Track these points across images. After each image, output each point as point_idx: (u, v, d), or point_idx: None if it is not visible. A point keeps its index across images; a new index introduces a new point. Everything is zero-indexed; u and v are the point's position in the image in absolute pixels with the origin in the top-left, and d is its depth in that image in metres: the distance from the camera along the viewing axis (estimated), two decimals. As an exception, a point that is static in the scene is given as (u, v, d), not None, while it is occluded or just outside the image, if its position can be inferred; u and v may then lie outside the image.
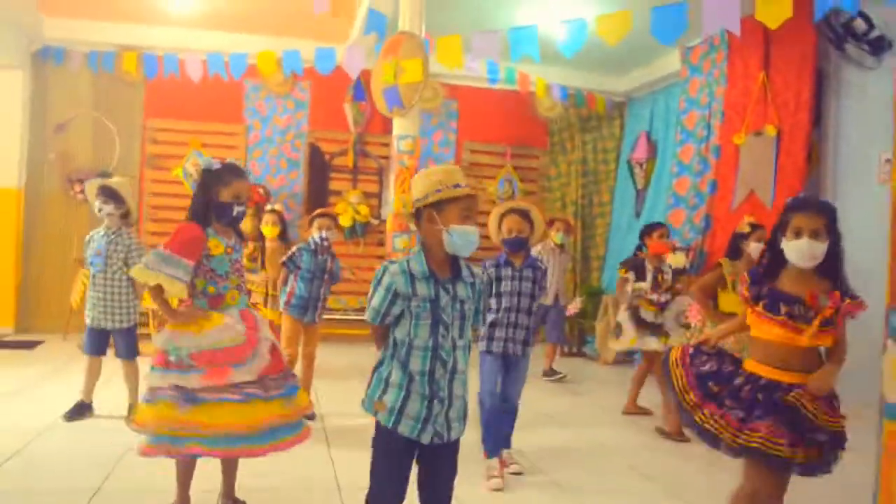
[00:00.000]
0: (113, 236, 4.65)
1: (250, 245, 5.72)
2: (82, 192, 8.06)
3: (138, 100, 8.64)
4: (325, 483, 3.73)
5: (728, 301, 4.57)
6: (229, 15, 7.74)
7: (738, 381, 2.66)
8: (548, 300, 6.81)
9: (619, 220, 9.33)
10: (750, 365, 2.69)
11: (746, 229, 4.80)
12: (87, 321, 4.79)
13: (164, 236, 8.29)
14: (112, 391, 4.95)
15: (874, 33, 5.77)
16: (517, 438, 4.24)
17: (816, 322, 2.52)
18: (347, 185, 8.99)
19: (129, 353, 4.78)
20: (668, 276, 5.39)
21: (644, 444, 4.80)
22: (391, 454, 2.40)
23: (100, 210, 4.62)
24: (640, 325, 5.33)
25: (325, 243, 4.95)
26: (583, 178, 9.56)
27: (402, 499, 2.39)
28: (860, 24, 5.75)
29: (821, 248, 2.56)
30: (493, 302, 3.94)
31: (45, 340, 7.75)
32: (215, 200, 3.03)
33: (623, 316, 5.44)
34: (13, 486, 3.54)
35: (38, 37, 8.23)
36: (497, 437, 4.01)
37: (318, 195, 8.85)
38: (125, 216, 4.75)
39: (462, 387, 2.43)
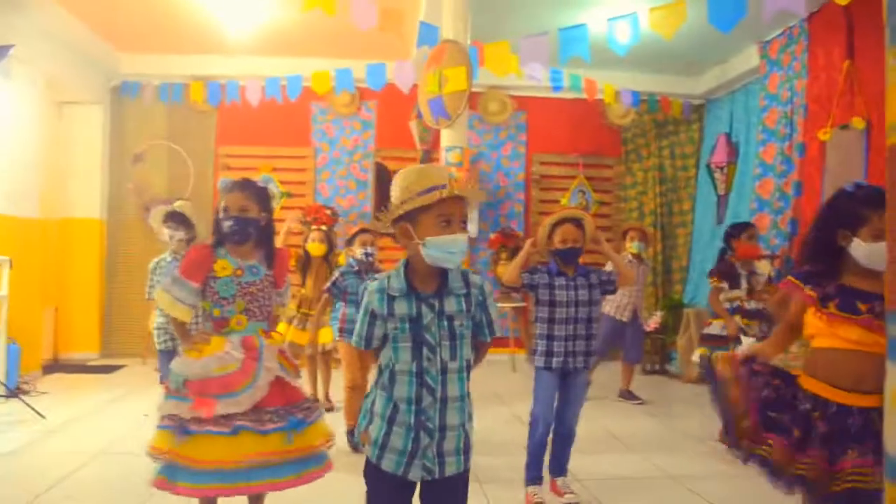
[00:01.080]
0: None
1: (292, 263, 5.62)
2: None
3: (210, 128, 8.85)
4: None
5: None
6: (289, 41, 7.80)
7: (804, 407, 2.32)
8: (624, 317, 6.44)
9: (701, 228, 8.86)
10: (811, 384, 2.34)
11: None
12: (159, 346, 4.89)
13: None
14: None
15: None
16: (576, 465, 3.95)
17: None
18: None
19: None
20: (762, 280, 4.97)
21: (722, 473, 4.36)
22: (380, 492, 2.17)
23: (171, 237, 4.76)
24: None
25: (370, 259, 4.74)
26: (660, 185, 9.13)
27: None
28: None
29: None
30: (543, 312, 3.71)
31: (127, 365, 7.96)
32: (216, 218, 2.95)
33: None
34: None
35: (115, 73, 8.57)
36: (539, 466, 3.78)
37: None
38: (192, 241, 4.82)
39: (459, 415, 2.13)
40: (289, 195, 8.74)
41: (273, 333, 3.04)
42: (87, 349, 8.44)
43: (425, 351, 2.08)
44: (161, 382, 4.76)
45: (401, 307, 2.09)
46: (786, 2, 4.00)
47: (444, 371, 2.09)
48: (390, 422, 2.11)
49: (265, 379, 2.80)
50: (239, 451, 2.66)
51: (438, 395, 2.09)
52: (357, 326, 2.16)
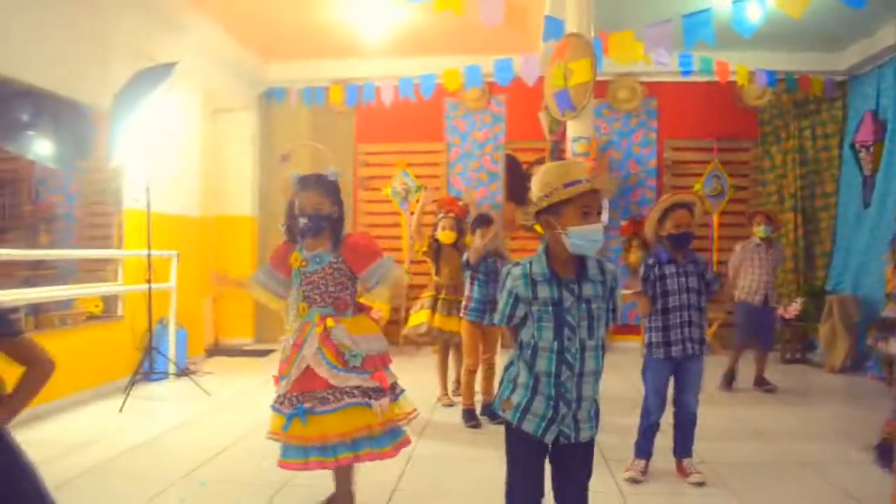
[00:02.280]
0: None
1: (417, 250, 5.87)
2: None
3: (349, 127, 9.35)
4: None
5: None
6: (420, 40, 8.11)
7: None
8: (755, 300, 6.27)
9: (845, 211, 8.46)
10: None
11: None
12: None
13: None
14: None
15: None
16: (704, 448, 4.00)
17: None
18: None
19: None
20: None
21: (855, 462, 4.24)
22: (518, 452, 2.40)
23: None
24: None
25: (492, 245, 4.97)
26: (801, 167, 8.78)
27: (535, 497, 2.36)
28: None
29: None
30: (656, 303, 3.77)
31: (277, 349, 8.57)
32: (291, 213, 3.21)
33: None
34: (216, 477, 4.01)
35: (262, 81, 9.22)
36: (648, 444, 3.89)
37: (517, 204, 8.98)
38: None
39: (592, 387, 2.34)
40: (423, 188, 9.10)
41: (343, 319, 3.13)
42: (242, 335, 9.16)
43: (566, 331, 2.26)
44: None
45: (543, 291, 2.28)
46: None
47: (582, 349, 2.28)
48: (533, 391, 2.32)
49: (299, 367, 3.07)
50: (301, 430, 3.02)
51: (577, 370, 2.28)
52: (500, 306, 2.37)
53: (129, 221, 6.45)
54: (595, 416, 2.39)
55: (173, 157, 7.25)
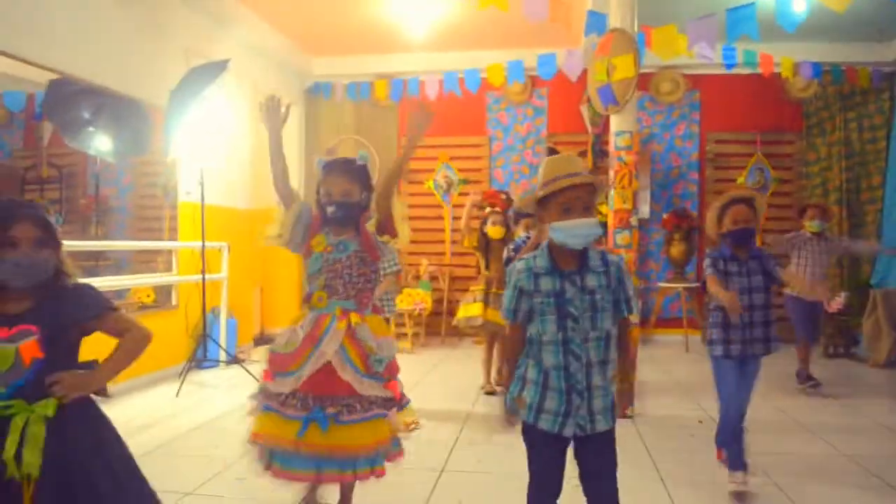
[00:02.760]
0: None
1: (468, 243, 5.97)
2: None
3: (393, 121, 9.50)
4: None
5: None
6: (463, 35, 8.20)
7: None
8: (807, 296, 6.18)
9: (892, 204, 8.35)
10: None
11: None
12: None
13: (421, 244, 8.99)
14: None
15: None
16: (752, 442, 3.83)
17: None
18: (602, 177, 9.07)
19: None
20: None
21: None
22: (538, 449, 2.43)
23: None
24: None
25: (530, 240, 4.86)
26: (846, 160, 8.69)
27: (556, 492, 2.42)
28: None
29: None
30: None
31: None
32: (319, 200, 2.99)
33: None
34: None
35: (308, 75, 9.41)
36: (740, 455, 3.63)
37: (558, 198, 9.04)
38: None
39: (603, 377, 2.34)
40: (466, 182, 9.22)
41: (368, 318, 2.92)
42: (288, 325, 9.37)
43: (569, 322, 2.29)
44: None
45: (546, 283, 2.33)
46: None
47: (585, 339, 2.30)
48: (544, 387, 2.34)
49: (315, 363, 2.76)
50: (263, 428, 2.83)
51: (584, 360, 2.30)
52: (505, 301, 2.42)
53: (182, 214, 6.69)
54: (611, 406, 2.39)
55: (223, 151, 7.47)
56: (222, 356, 6.72)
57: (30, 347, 2.03)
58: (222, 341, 6.87)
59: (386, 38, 8.40)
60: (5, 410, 1.97)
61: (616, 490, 2.40)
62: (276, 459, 2.80)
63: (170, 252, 6.73)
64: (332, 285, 2.86)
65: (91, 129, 5.88)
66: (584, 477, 2.41)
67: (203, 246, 6.33)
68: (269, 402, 2.82)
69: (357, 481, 2.87)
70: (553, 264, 2.34)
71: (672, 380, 6.49)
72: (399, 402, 3.05)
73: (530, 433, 2.42)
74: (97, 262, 6.19)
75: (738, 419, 3.65)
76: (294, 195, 3.04)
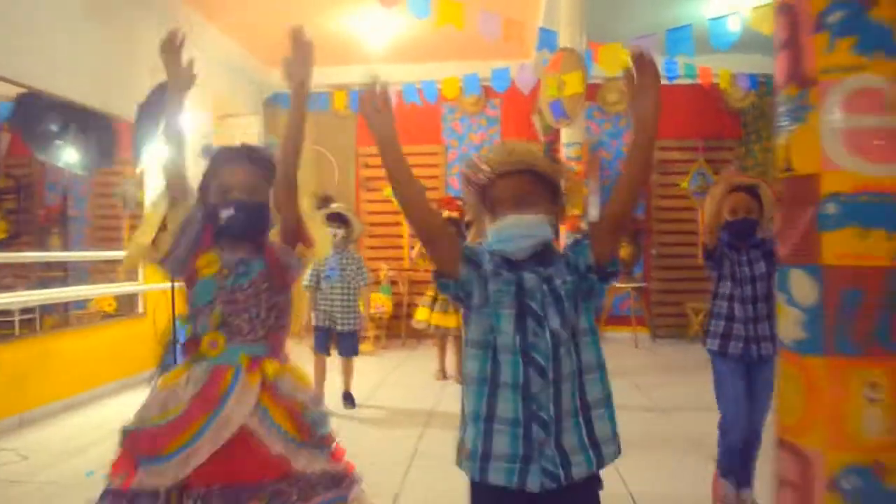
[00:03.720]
0: (343, 254, 5.49)
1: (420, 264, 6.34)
2: (310, 216, 9.29)
3: (351, 130, 9.75)
4: None
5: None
6: (420, 48, 8.51)
7: None
8: None
9: (824, 206, 8.92)
10: None
11: None
12: (320, 323, 5.62)
13: (380, 250, 9.24)
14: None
15: None
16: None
17: None
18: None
19: (352, 351, 5.61)
20: None
21: None
22: None
23: (334, 235, 5.25)
24: None
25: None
26: (782, 165, 9.25)
27: None
28: None
29: None
30: (725, 287, 3.19)
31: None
32: (206, 202, 2.11)
33: None
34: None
35: (267, 86, 9.60)
36: (736, 463, 3.15)
37: (512, 203, 9.40)
38: (349, 237, 5.58)
39: (571, 398, 1.69)
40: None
41: (288, 367, 2.03)
42: (159, 384, 9.53)
43: (530, 322, 1.71)
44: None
45: (498, 280, 1.80)
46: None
47: (557, 345, 1.71)
48: (489, 419, 1.71)
49: (217, 435, 1.82)
50: None
51: (550, 375, 1.68)
52: None
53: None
54: (592, 441, 1.70)
55: (188, 162, 7.64)
56: (190, 362, 6.89)
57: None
58: (189, 347, 7.04)
59: (345, 50, 8.65)
60: None
61: None
62: None
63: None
64: (232, 323, 1.96)
65: (59, 142, 6.04)
66: None
67: (171, 255, 6.50)
68: None
69: None
70: (501, 259, 1.79)
71: (621, 372, 6.87)
72: (352, 480, 1.97)
73: (478, 498, 1.75)
74: (48, 273, 6.29)
75: (745, 440, 3.09)
76: (187, 190, 2.16)
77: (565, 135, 5.55)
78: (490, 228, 1.79)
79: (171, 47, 2.27)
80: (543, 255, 1.78)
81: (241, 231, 2.03)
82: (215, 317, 1.95)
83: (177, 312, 6.72)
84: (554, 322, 1.67)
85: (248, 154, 2.14)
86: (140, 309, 6.83)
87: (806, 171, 1.15)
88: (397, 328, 9.24)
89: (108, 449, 1.99)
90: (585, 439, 1.67)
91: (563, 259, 1.79)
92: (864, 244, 1.04)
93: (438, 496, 3.60)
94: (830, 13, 1.13)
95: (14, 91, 5.41)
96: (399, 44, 8.28)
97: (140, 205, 6.88)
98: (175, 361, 6.63)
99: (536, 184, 1.79)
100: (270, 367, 1.94)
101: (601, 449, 1.69)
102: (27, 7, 5.39)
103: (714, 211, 3.17)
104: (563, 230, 5.57)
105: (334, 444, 2.01)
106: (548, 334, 1.66)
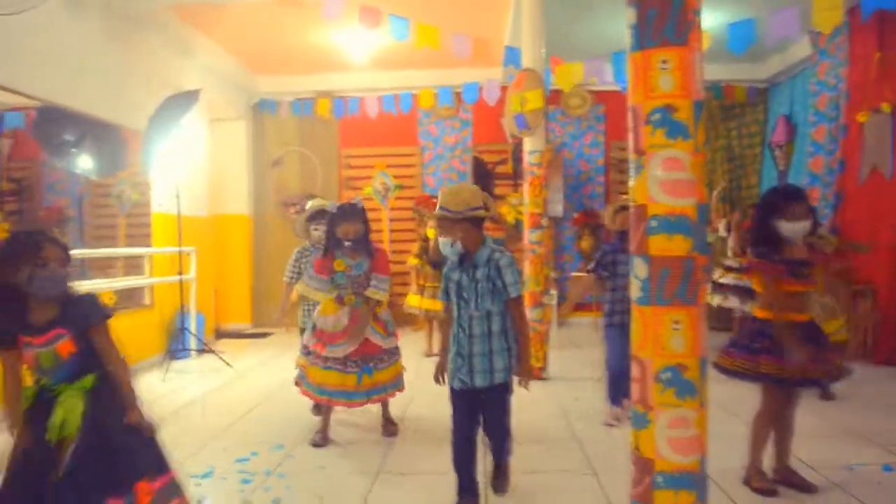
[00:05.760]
0: None
1: (416, 246, 7.16)
2: (296, 212, 10.02)
3: (334, 133, 10.47)
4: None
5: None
6: (400, 56, 9.23)
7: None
8: None
9: (765, 201, 9.81)
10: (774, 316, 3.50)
11: None
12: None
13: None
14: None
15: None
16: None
17: None
18: (509, 189, 10.23)
19: None
20: None
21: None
22: (452, 402, 3.39)
23: (316, 230, 5.42)
24: None
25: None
26: (728, 163, 10.15)
27: (469, 435, 3.34)
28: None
29: None
30: (616, 282, 4.70)
31: (273, 333, 9.70)
32: (331, 235, 4.51)
33: None
34: (253, 428, 5.20)
35: (254, 92, 10.31)
36: (618, 392, 4.78)
37: (484, 200, 10.21)
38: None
39: (480, 345, 3.24)
40: (400, 187, 10.28)
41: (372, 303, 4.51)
42: (241, 321, 10.27)
43: (461, 303, 3.32)
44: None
45: (451, 275, 3.39)
46: (784, 29, 5.13)
47: (470, 317, 3.31)
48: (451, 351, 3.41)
49: (357, 339, 4.40)
50: (328, 380, 4.43)
51: (467, 332, 3.31)
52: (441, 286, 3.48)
53: (155, 223, 7.56)
54: (488, 368, 3.25)
55: (185, 165, 8.34)
56: (194, 346, 7.63)
57: (65, 346, 2.60)
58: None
59: (328, 59, 9.37)
60: (52, 392, 2.60)
61: (503, 426, 3.38)
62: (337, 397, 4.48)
63: (121, 258, 7.52)
64: (357, 291, 4.47)
65: (75, 150, 6.72)
66: (483, 418, 3.39)
67: (180, 251, 7.25)
68: (318, 361, 4.48)
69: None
70: (459, 259, 3.34)
71: (583, 353, 7.73)
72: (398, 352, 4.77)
73: (451, 392, 3.40)
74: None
75: (620, 374, 4.46)
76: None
77: (528, 143, 6.33)
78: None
79: None
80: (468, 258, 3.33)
81: (352, 250, 4.50)
82: (349, 289, 4.47)
83: (179, 304, 7.47)
84: (472, 305, 3.28)
85: (352, 214, 4.44)
86: (146, 301, 7.51)
87: (642, 202, 1.96)
88: (395, 315, 9.98)
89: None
90: (487, 366, 3.26)
91: (491, 265, 3.27)
92: (670, 244, 1.86)
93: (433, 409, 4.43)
94: (653, 114, 1.93)
95: (13, 100, 5.76)
96: (380, 53, 9.00)
97: (136, 205, 7.57)
98: (183, 347, 7.39)
99: (460, 221, 3.29)
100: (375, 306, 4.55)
101: (494, 374, 3.27)
102: (46, 28, 6.00)
103: (609, 220, 4.87)
104: (526, 227, 6.39)
105: (395, 333, 4.74)
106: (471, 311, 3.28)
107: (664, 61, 1.90)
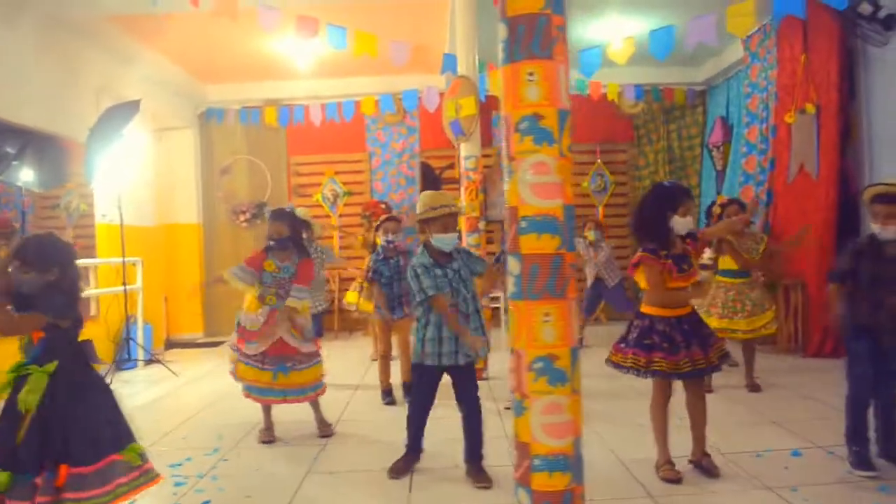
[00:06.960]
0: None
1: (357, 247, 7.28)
2: (246, 220, 10.06)
3: (282, 141, 10.53)
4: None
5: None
6: (343, 64, 9.33)
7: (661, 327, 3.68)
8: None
9: (705, 201, 10.08)
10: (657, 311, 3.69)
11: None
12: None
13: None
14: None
15: (883, 13, 6.34)
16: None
17: None
18: (456, 193, 10.36)
19: (318, 333, 6.06)
20: None
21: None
22: (419, 376, 4.01)
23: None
24: None
25: (391, 245, 5.57)
26: (669, 164, 10.44)
27: (427, 406, 3.97)
28: (866, 7, 6.33)
29: None
30: None
31: (226, 341, 9.65)
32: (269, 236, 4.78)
33: None
34: (199, 431, 5.28)
35: (202, 102, 10.33)
36: None
37: (432, 205, 10.35)
38: (309, 237, 6.39)
39: (469, 324, 3.86)
40: (349, 193, 10.38)
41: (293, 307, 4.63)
42: (193, 330, 10.25)
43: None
44: None
45: (435, 272, 3.78)
46: (702, 35, 5.36)
47: (465, 299, 3.86)
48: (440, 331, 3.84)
49: (267, 340, 4.57)
50: (246, 375, 4.68)
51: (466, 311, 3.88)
52: (425, 284, 3.73)
53: (99, 234, 7.57)
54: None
55: (130, 175, 8.35)
56: (141, 356, 7.64)
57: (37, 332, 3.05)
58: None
59: (274, 68, 9.43)
60: (24, 370, 3.00)
61: (476, 399, 3.91)
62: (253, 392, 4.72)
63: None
64: (279, 293, 4.64)
65: (16, 163, 6.71)
66: (456, 394, 3.93)
67: (124, 262, 7.26)
68: (242, 358, 4.68)
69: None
70: (433, 260, 3.83)
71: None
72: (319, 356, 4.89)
73: (418, 368, 3.96)
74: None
75: None
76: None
77: (463, 149, 6.48)
78: (438, 238, 3.81)
79: None
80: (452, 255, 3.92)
81: (278, 249, 4.69)
82: (272, 289, 4.64)
83: (127, 313, 7.48)
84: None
85: (278, 216, 4.78)
86: (92, 311, 7.51)
87: (514, 204, 2.11)
88: (330, 322, 10.07)
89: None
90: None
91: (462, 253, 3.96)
92: (539, 242, 2.01)
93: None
94: (521, 123, 2.08)
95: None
96: (323, 62, 9.08)
97: (83, 216, 7.58)
98: (129, 357, 7.40)
99: (457, 217, 3.89)
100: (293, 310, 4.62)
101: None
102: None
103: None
104: (464, 230, 6.53)
105: (315, 340, 4.85)
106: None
107: (531, 73, 2.05)
